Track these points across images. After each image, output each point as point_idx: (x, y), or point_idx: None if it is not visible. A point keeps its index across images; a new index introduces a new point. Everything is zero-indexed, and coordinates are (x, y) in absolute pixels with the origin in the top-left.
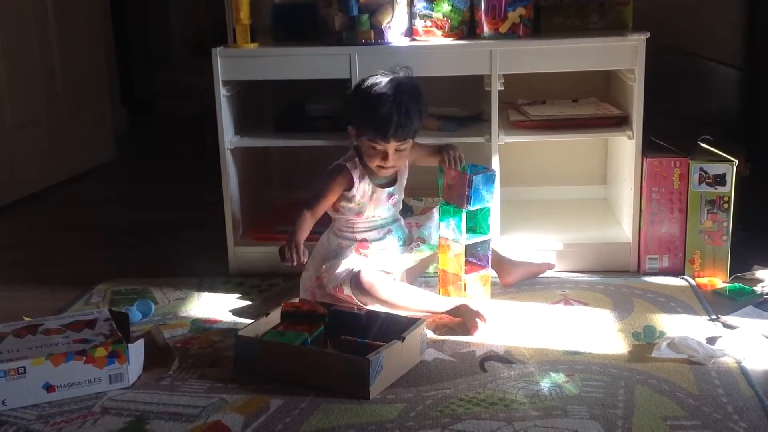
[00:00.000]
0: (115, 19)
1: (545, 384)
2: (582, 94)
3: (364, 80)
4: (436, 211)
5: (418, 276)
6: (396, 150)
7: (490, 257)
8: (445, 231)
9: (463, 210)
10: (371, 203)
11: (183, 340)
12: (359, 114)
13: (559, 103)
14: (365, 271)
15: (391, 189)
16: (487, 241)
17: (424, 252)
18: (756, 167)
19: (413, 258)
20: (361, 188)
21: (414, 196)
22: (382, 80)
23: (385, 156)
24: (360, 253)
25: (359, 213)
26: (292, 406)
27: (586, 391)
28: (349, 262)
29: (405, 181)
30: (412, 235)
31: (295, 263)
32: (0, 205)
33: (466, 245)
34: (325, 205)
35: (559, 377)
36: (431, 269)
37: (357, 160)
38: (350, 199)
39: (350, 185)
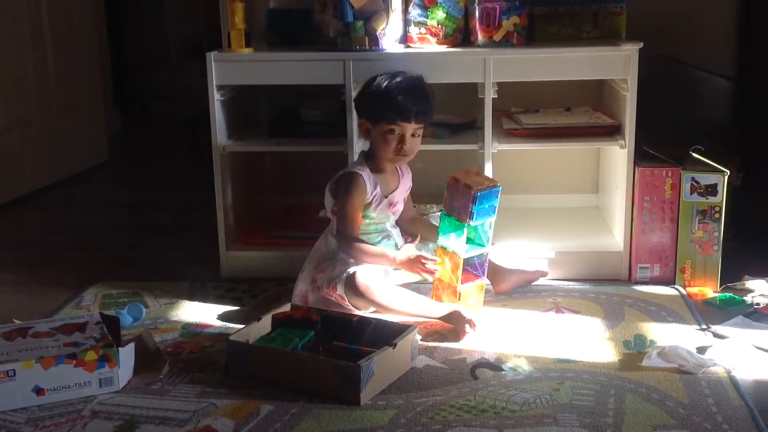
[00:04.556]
0: (109, 21)
1: (536, 391)
2: (575, 103)
3: (368, 82)
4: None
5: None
6: (412, 135)
7: (486, 267)
8: (444, 241)
9: (465, 225)
10: (377, 210)
11: (174, 344)
12: (375, 102)
13: (552, 112)
14: (361, 273)
15: (391, 196)
16: (483, 252)
17: (416, 277)
18: (747, 177)
19: (408, 278)
20: (373, 194)
21: (416, 203)
22: (387, 75)
23: (402, 140)
24: None
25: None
26: (282, 411)
27: (576, 399)
28: (345, 265)
29: (407, 191)
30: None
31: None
32: None
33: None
34: (359, 221)
35: (550, 385)
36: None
37: (367, 169)
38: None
39: (366, 192)
